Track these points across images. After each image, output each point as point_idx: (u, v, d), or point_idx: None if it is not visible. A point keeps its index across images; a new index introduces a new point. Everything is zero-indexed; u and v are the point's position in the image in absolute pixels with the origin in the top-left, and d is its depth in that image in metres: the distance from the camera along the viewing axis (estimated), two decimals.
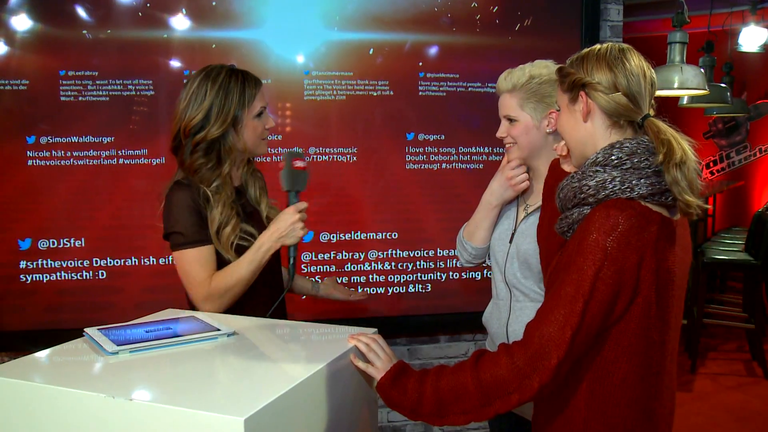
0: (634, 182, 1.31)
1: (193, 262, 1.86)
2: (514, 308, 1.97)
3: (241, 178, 2.03)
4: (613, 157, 1.34)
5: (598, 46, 1.43)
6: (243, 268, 1.84)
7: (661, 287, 1.31)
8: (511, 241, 2.00)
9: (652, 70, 1.42)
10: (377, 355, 1.46)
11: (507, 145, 1.97)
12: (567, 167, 1.61)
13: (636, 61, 1.40)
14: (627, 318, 1.30)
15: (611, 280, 1.26)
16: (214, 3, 2.90)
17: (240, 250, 1.88)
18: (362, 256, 3.11)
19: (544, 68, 1.93)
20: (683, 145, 1.34)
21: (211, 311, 1.83)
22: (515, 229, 2.00)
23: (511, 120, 1.93)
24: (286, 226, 1.83)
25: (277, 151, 2.94)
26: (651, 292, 1.29)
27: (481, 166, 3.17)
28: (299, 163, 1.86)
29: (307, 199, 1.91)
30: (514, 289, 1.97)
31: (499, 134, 1.98)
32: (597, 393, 1.34)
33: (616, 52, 1.39)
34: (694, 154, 1.34)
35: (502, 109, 1.96)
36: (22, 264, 2.84)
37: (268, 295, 1.96)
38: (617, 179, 1.32)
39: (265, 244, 1.84)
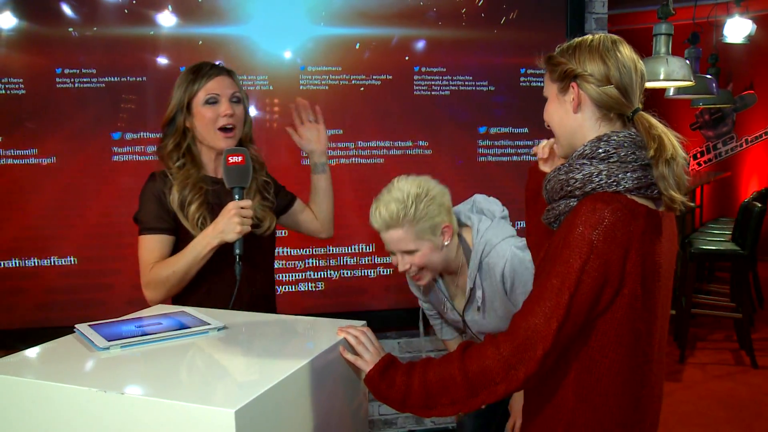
0: (620, 176, 1.32)
1: (144, 249, 1.93)
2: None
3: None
4: (600, 150, 1.35)
5: (590, 36, 1.42)
6: (180, 260, 1.87)
7: (648, 279, 1.32)
8: (466, 327, 2.11)
9: (642, 63, 1.43)
10: (366, 348, 1.47)
11: (414, 276, 1.96)
12: (545, 168, 1.63)
13: (628, 54, 1.40)
14: (613, 309, 1.31)
15: (597, 273, 1.27)
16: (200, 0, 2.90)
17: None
18: (350, 249, 3.13)
19: (417, 187, 1.90)
20: (673, 141, 1.35)
21: (150, 298, 1.91)
22: (464, 319, 2.10)
23: (410, 252, 1.91)
24: (223, 221, 1.82)
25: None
26: (636, 284, 1.30)
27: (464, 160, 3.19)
28: (234, 158, 1.83)
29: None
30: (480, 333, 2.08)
31: (401, 269, 1.94)
32: (585, 382, 1.36)
33: (609, 44, 1.39)
34: (683, 151, 1.36)
35: (397, 244, 1.90)
36: (12, 263, 2.83)
37: (227, 291, 1.91)
38: (603, 173, 1.33)
39: (202, 240, 1.85)
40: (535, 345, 1.28)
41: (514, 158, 3.25)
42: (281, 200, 2.16)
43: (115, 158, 2.87)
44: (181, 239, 1.94)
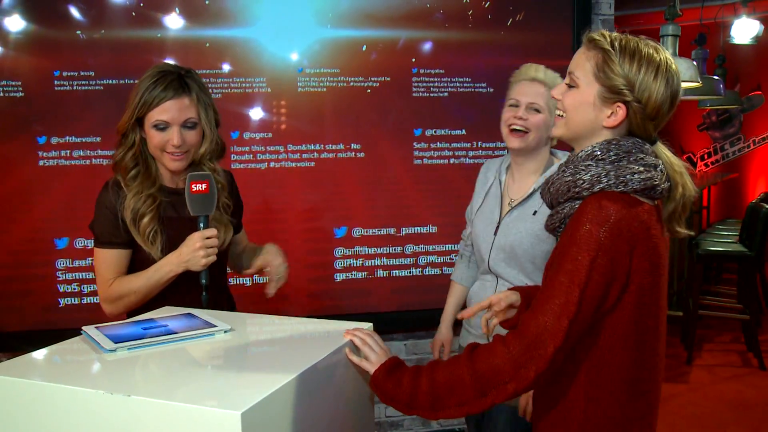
0: (628, 177, 1.33)
1: (101, 262, 1.89)
2: (499, 290, 2.01)
3: (183, 182, 1.88)
4: (611, 153, 1.36)
5: (655, 55, 1.35)
6: (140, 281, 1.84)
7: (654, 271, 1.33)
8: (495, 233, 2.05)
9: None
10: (372, 350, 1.46)
11: (517, 131, 1.98)
12: (495, 319, 1.66)
13: (680, 87, 1.38)
14: (621, 306, 1.32)
15: (605, 270, 1.28)
16: (207, 2, 2.90)
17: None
18: (357, 251, 3.13)
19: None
20: (689, 180, 1.39)
21: (108, 312, 1.89)
22: (500, 222, 2.05)
23: (536, 110, 1.97)
24: (188, 252, 1.79)
25: (265, 149, 2.96)
26: (644, 278, 1.32)
27: (477, 161, 3.19)
28: (197, 186, 1.77)
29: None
30: (499, 277, 2.05)
31: (517, 115, 1.98)
32: (595, 382, 1.36)
33: (673, 74, 1.36)
34: (695, 187, 1.40)
35: (531, 96, 1.98)
36: (20, 265, 2.85)
37: (184, 302, 1.84)
38: (612, 173, 1.34)
39: (165, 267, 1.82)
40: (546, 343, 1.28)
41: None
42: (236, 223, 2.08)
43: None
44: (137, 250, 1.90)
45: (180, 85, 1.84)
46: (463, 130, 3.19)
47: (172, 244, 1.87)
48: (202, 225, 1.80)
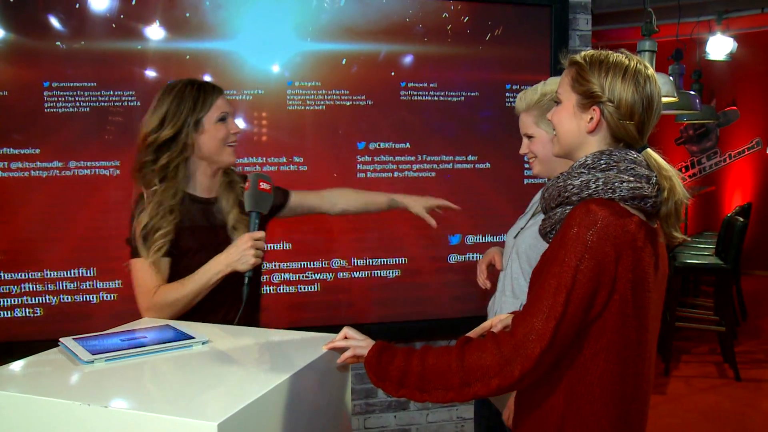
0: (616, 184, 1.36)
1: (143, 272, 1.90)
2: (499, 301, 2.10)
3: (217, 190, 2.03)
4: (602, 162, 1.40)
5: (625, 60, 1.42)
6: (188, 286, 1.88)
7: (638, 287, 1.35)
8: (516, 237, 2.11)
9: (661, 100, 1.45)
10: (357, 340, 1.50)
11: (531, 161, 2.08)
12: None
13: (656, 91, 1.42)
14: (605, 315, 1.34)
15: (591, 273, 1.30)
16: (187, 14, 2.91)
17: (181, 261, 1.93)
18: (339, 264, 3.14)
19: (555, 85, 2.00)
20: (680, 184, 1.42)
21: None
22: (524, 226, 2.11)
23: (529, 137, 2.04)
24: (238, 252, 1.84)
25: (259, 160, 2.97)
26: (627, 289, 1.33)
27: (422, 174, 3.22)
28: (264, 185, 1.90)
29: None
30: (507, 284, 2.10)
31: (521, 151, 2.08)
32: (576, 390, 1.38)
33: (642, 78, 1.40)
34: (687, 192, 1.44)
35: (522, 127, 2.07)
36: None
37: (225, 312, 1.97)
38: (601, 180, 1.37)
39: (213, 268, 1.87)
40: (533, 343, 1.30)
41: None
42: (277, 199, 2.13)
43: (103, 172, 2.87)
44: (177, 259, 1.95)
45: (220, 87, 2.02)
46: (407, 143, 3.18)
47: (207, 253, 1.91)
48: (255, 223, 1.88)
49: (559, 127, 1.49)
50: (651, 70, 1.44)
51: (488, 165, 3.26)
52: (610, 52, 1.45)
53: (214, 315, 1.92)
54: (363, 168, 3.15)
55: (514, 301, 2.03)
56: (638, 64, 1.42)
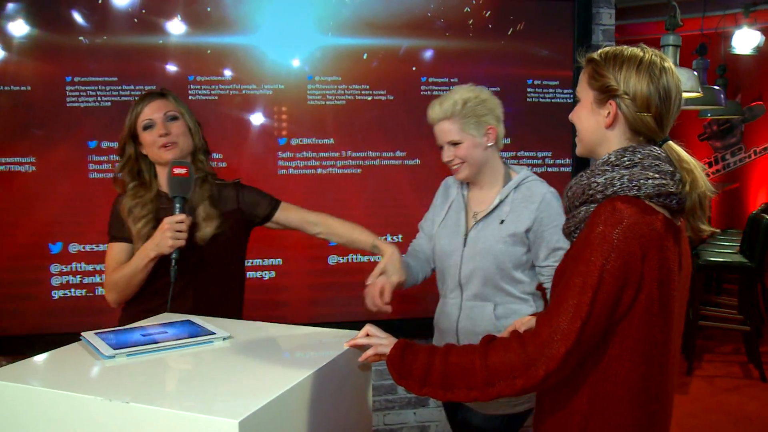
0: (641, 181, 1.34)
1: (108, 255, 2.10)
2: (464, 307, 2.14)
3: None
4: (625, 159, 1.38)
5: (640, 53, 1.40)
6: (126, 269, 2.02)
7: (663, 285, 1.33)
8: (464, 244, 2.14)
9: (682, 91, 1.43)
10: (379, 338, 1.49)
11: (455, 167, 2.12)
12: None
13: (674, 82, 1.40)
14: (632, 314, 1.32)
15: (618, 272, 1.28)
16: (209, 9, 2.92)
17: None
18: (357, 258, 3.13)
19: (471, 92, 2.09)
20: (703, 176, 1.38)
21: (108, 300, 2.10)
22: (467, 236, 2.15)
23: (455, 144, 2.09)
24: (158, 236, 1.95)
25: (287, 155, 2.96)
26: (653, 288, 1.31)
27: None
28: (179, 170, 1.97)
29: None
30: (466, 290, 2.13)
31: (445, 159, 2.12)
32: (600, 389, 1.36)
33: (658, 69, 1.38)
34: (711, 185, 1.40)
35: (444, 135, 2.11)
36: (19, 269, 2.85)
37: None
38: (626, 177, 1.35)
39: (143, 252, 1.98)
40: (558, 343, 1.29)
41: None
42: (261, 210, 2.22)
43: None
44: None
45: (157, 93, 2.13)
46: (332, 140, 3.11)
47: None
48: (178, 206, 1.96)
49: (578, 124, 1.49)
50: (668, 62, 1.41)
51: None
52: (625, 46, 1.44)
53: (161, 297, 2.00)
54: (383, 164, 3.13)
55: (483, 304, 2.11)
56: (653, 56, 1.40)
